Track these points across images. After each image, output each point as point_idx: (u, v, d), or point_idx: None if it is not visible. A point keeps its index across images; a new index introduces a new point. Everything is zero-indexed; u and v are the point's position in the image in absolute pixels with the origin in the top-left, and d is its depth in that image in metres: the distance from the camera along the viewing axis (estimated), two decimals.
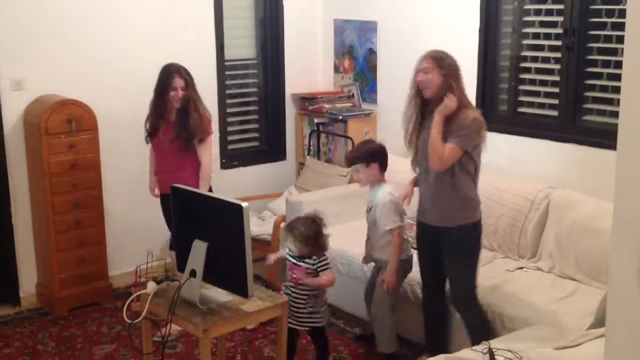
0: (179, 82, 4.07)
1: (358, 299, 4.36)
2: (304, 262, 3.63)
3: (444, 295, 3.69)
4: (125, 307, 3.48)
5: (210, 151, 4.21)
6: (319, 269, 3.61)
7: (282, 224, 4.28)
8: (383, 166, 3.84)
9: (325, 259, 3.66)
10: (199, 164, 4.16)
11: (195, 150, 4.15)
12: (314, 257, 3.62)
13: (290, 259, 3.67)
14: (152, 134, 4.23)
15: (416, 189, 3.72)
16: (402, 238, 3.77)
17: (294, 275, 3.63)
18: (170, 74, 4.10)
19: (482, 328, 3.52)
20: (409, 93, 3.56)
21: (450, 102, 3.36)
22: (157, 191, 4.38)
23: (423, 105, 3.52)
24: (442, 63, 3.41)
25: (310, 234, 3.58)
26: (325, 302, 3.75)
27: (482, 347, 2.99)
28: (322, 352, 3.87)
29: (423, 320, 3.81)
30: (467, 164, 3.43)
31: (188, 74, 4.13)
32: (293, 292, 3.65)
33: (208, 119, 4.20)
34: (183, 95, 4.07)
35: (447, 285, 3.65)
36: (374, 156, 3.82)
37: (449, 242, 3.52)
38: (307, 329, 3.74)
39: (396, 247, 3.73)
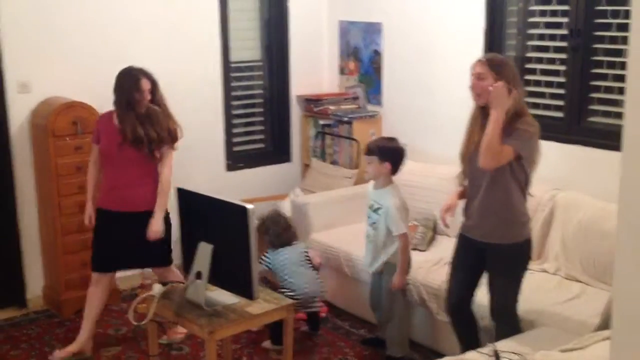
0: (146, 85, 3.79)
1: (363, 301, 4.36)
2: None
3: (470, 302, 3.54)
4: (132, 309, 3.50)
5: (171, 164, 3.91)
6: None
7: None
8: (395, 168, 3.84)
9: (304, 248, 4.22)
10: (157, 178, 3.87)
11: (155, 162, 3.86)
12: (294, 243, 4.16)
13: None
14: (102, 141, 3.88)
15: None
16: (409, 241, 3.82)
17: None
18: (135, 76, 3.78)
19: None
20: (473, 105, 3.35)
21: (497, 89, 3.09)
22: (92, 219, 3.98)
23: (484, 117, 3.25)
24: (500, 70, 3.19)
25: (284, 226, 4.24)
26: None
27: (488, 349, 2.99)
28: (314, 321, 4.20)
29: (453, 329, 3.65)
30: (519, 174, 3.23)
31: (153, 76, 3.86)
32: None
33: (179, 126, 3.95)
34: (150, 99, 3.80)
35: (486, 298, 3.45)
36: (390, 155, 3.82)
37: (496, 260, 3.33)
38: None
39: (405, 249, 3.78)
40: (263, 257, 4.13)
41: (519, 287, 3.38)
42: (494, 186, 3.25)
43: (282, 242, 4.18)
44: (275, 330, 3.82)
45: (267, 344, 4.11)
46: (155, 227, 3.80)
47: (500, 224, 3.28)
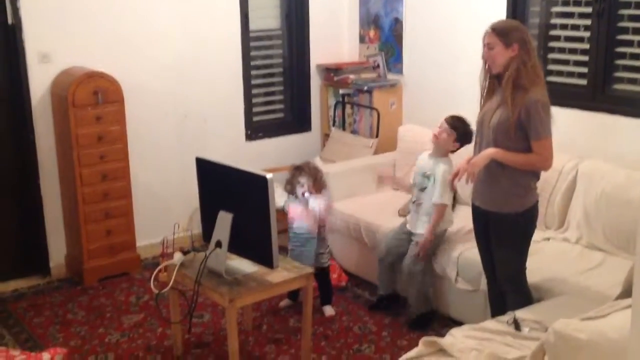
0: None
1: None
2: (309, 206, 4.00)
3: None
4: (153, 277, 3.54)
5: None
6: (323, 206, 4.01)
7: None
8: (460, 144, 3.93)
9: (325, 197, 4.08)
10: None
11: None
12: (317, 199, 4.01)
13: (299, 206, 4.02)
14: None
15: None
16: (444, 215, 3.92)
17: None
18: None
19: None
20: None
21: (468, 170, 3.23)
22: None
23: (494, 78, 3.27)
24: (508, 38, 3.14)
25: (316, 168, 4.10)
26: (328, 244, 4.16)
27: (507, 317, 2.98)
28: (327, 292, 4.16)
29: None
30: (523, 143, 3.18)
31: None
32: (300, 237, 4.02)
33: None
34: None
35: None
36: (464, 139, 3.89)
37: (496, 228, 3.33)
38: (317, 271, 3.94)
39: (439, 218, 3.90)
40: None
41: (522, 257, 3.36)
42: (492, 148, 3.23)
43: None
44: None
45: (284, 302, 4.21)
46: None
47: (500, 192, 3.26)
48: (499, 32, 3.18)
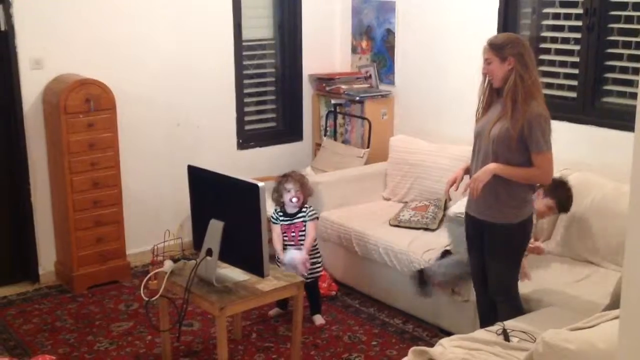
0: None
1: (374, 280, 4.39)
2: (297, 218, 4.07)
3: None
4: (143, 285, 3.54)
5: None
6: (310, 218, 4.09)
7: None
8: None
9: (312, 207, 4.16)
10: None
11: None
12: (304, 208, 4.09)
13: (284, 222, 4.08)
14: None
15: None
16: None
17: (292, 235, 4.08)
18: None
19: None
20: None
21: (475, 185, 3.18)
22: None
23: (494, 92, 3.30)
24: (502, 53, 3.16)
25: (302, 175, 4.15)
26: (320, 254, 4.19)
27: (497, 327, 3.00)
28: (317, 302, 4.18)
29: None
30: (521, 155, 3.17)
31: None
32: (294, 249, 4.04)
33: None
34: None
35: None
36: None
37: (491, 239, 3.32)
38: (311, 280, 4.04)
39: None
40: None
41: (514, 268, 3.36)
42: (493, 161, 3.22)
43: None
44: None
45: (274, 311, 4.21)
46: None
47: (495, 203, 3.26)
48: (494, 47, 3.21)
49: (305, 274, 3.94)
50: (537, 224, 3.64)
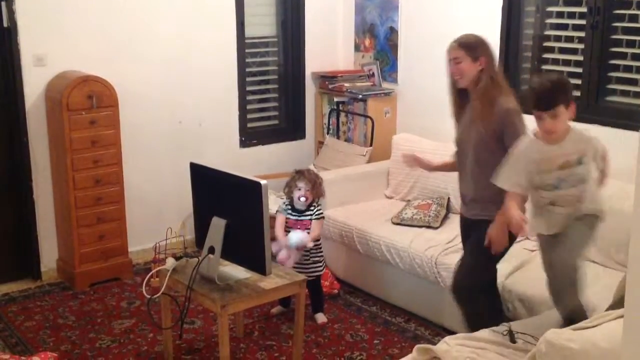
0: None
1: (376, 278, 4.38)
2: (304, 216, 4.04)
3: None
4: (145, 282, 3.54)
5: None
6: (316, 217, 4.06)
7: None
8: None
9: (320, 206, 4.13)
10: None
11: None
12: (312, 207, 4.06)
13: (291, 217, 4.06)
14: None
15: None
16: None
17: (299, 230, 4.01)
18: None
19: (478, 321, 3.22)
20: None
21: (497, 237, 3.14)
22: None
23: (460, 93, 3.32)
24: (475, 52, 3.17)
25: (317, 175, 4.13)
26: (322, 252, 4.16)
27: (503, 328, 2.99)
28: (319, 300, 4.17)
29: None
30: (501, 154, 3.06)
31: None
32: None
33: None
34: None
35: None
36: (571, 92, 2.96)
37: (473, 232, 3.34)
38: (313, 278, 4.02)
39: None
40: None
41: (484, 268, 3.33)
42: (475, 165, 3.26)
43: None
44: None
45: (276, 309, 4.20)
46: None
47: (480, 199, 3.28)
48: (465, 46, 3.20)
49: (296, 259, 3.95)
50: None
